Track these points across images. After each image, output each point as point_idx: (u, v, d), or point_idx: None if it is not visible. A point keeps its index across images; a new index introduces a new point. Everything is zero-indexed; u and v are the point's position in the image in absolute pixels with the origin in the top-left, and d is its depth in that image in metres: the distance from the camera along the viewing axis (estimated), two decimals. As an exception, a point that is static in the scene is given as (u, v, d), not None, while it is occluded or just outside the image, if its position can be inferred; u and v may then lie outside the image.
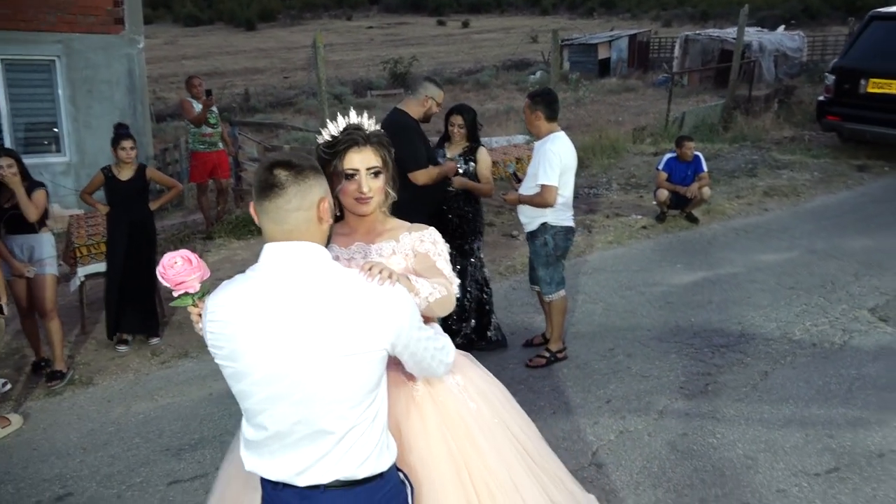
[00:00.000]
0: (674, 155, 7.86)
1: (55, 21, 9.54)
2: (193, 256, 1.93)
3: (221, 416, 4.31)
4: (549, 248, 4.51)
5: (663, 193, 7.77)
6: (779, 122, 13.18)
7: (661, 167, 7.94)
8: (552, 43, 11.69)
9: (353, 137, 2.11)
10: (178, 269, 1.90)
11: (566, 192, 4.42)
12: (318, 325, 1.62)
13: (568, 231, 4.55)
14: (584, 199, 8.73)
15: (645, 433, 3.87)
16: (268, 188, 1.66)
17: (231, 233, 7.95)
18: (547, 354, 4.72)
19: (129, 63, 10.24)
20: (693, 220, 7.84)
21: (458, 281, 2.16)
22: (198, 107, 8.03)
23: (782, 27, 26.84)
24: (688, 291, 5.88)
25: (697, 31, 26.71)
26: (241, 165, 10.06)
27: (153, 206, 5.44)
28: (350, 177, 2.12)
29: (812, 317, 5.26)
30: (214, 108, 8.28)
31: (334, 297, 1.65)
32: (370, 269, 1.71)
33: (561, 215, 4.46)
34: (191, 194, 9.41)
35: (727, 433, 3.82)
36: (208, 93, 8.05)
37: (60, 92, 9.77)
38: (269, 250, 1.69)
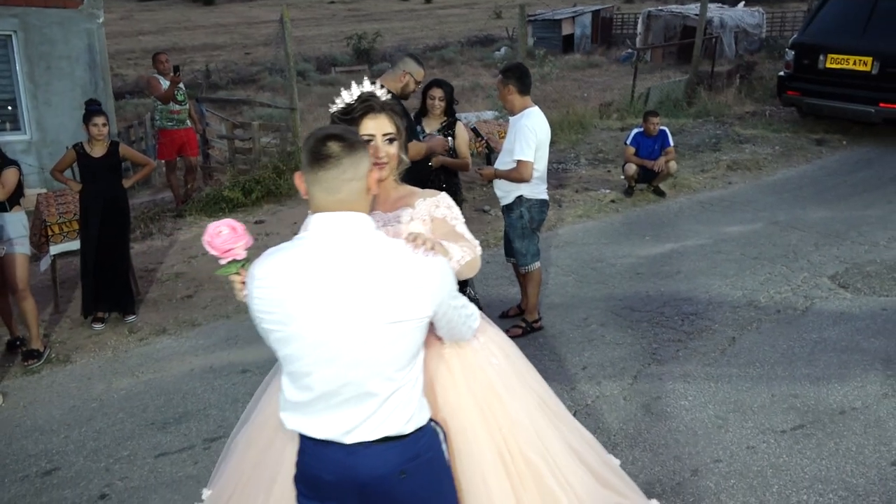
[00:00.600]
0: (641, 130, 8.01)
1: (9, -7, 9.28)
2: (238, 225, 1.96)
3: (204, 391, 4.34)
4: (525, 221, 4.61)
5: (631, 168, 7.92)
6: (740, 97, 13.43)
7: (628, 142, 8.09)
8: (518, 18, 11.73)
9: (369, 104, 2.17)
10: (224, 237, 1.91)
11: (540, 165, 4.52)
12: (367, 293, 1.71)
13: (542, 204, 4.66)
14: (553, 175, 8.83)
15: (620, 397, 4.02)
16: (323, 159, 1.73)
17: (202, 210, 7.89)
18: (523, 325, 4.84)
19: (90, 38, 10.00)
20: (660, 193, 8.02)
21: (478, 242, 2.27)
22: (165, 83, 7.92)
23: (742, 3, 27.18)
24: (657, 262, 6.04)
25: (660, 8, 26.92)
26: (208, 143, 9.96)
27: (126, 183, 5.40)
28: (366, 143, 2.15)
29: (776, 285, 5.47)
30: (182, 86, 8.18)
31: (383, 266, 1.73)
32: (414, 240, 1.80)
33: (536, 189, 4.56)
34: (159, 172, 9.28)
35: (698, 395, 3.99)
36: (176, 69, 7.94)
37: (18, 68, 9.52)
38: (321, 219, 1.77)
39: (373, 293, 1.71)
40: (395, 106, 2.25)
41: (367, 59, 27.63)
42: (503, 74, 4.53)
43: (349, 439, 1.78)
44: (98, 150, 5.15)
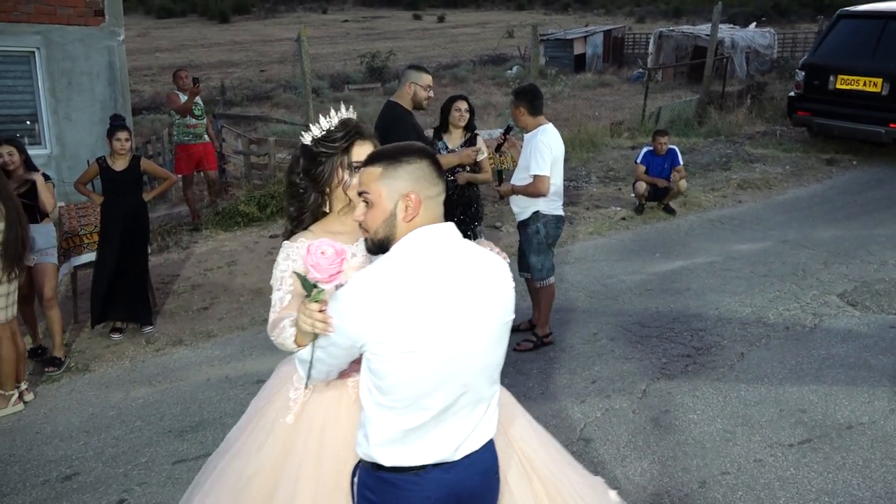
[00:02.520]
0: (651, 148, 8.10)
1: (32, 11, 9.49)
2: (337, 246, 1.85)
3: (220, 401, 4.43)
4: (541, 236, 4.69)
5: (641, 186, 8.00)
6: (751, 117, 13.50)
7: (639, 160, 8.17)
8: (531, 38, 11.89)
9: (358, 130, 2.17)
10: (329, 257, 1.80)
11: (556, 181, 4.62)
12: (486, 297, 1.77)
13: (558, 219, 4.75)
14: (564, 192, 8.86)
15: (629, 410, 4.07)
16: (443, 176, 1.83)
17: (218, 224, 8.02)
18: (534, 339, 4.90)
19: (110, 55, 10.20)
20: (670, 211, 8.08)
21: None
22: (184, 98, 8.10)
23: (753, 24, 27.36)
24: (666, 279, 6.10)
25: (671, 28, 27.13)
26: (224, 158, 10.12)
27: (147, 196, 5.52)
28: (357, 170, 2.10)
29: (785, 302, 5.51)
30: (200, 101, 8.35)
31: (488, 269, 1.81)
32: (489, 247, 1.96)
33: (552, 204, 4.66)
34: (176, 187, 9.43)
35: (707, 409, 4.04)
36: (195, 81, 8.13)
37: (40, 84, 9.72)
38: (428, 232, 1.76)
39: (489, 296, 1.78)
40: (375, 132, 2.28)
41: (380, 76, 27.91)
42: (515, 96, 4.67)
43: (458, 454, 1.79)
44: (120, 164, 5.29)
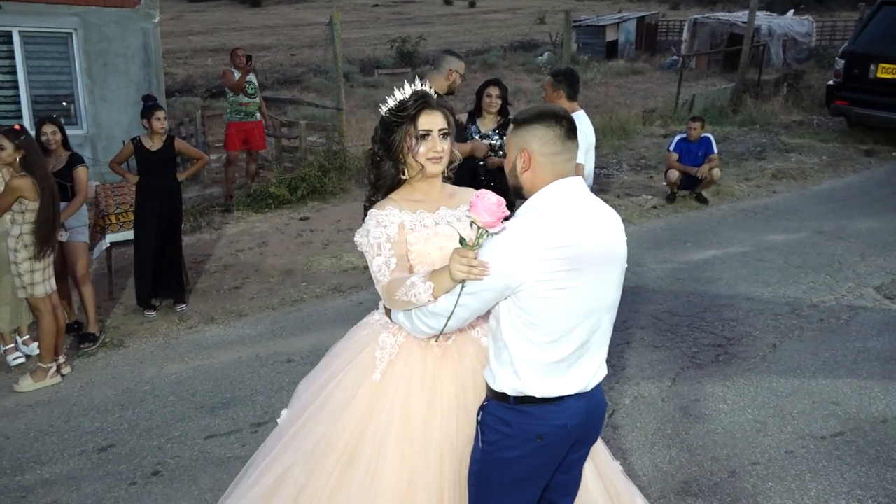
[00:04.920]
0: (684, 136, 7.99)
1: (71, -8, 9.63)
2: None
3: (250, 378, 4.49)
4: None
5: (674, 174, 7.90)
6: (788, 106, 13.25)
7: (671, 148, 8.07)
8: (564, 24, 11.75)
9: (425, 100, 2.24)
10: (497, 202, 1.85)
11: (588, 168, 4.57)
12: (617, 240, 2.01)
13: None
14: (594, 179, 8.85)
15: (659, 398, 4.05)
16: (575, 133, 2.00)
17: (249, 206, 8.10)
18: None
19: (145, 37, 10.32)
20: (703, 200, 7.98)
21: None
22: (238, 75, 8.20)
23: (791, 12, 26.75)
24: (698, 269, 6.03)
25: (706, 15, 26.64)
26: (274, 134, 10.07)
27: (181, 176, 5.59)
28: (423, 137, 2.22)
29: (819, 294, 5.42)
30: (254, 80, 8.45)
31: (613, 220, 2.03)
32: None
33: None
34: (207, 168, 9.54)
35: (737, 399, 4.01)
36: (248, 58, 8.20)
37: (77, 65, 9.87)
38: (567, 183, 1.98)
39: (617, 242, 2.00)
40: (447, 103, 2.35)
41: (410, 61, 27.80)
42: (554, 77, 4.50)
43: (591, 385, 2.04)
44: (155, 144, 5.35)
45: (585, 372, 2.01)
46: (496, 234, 1.88)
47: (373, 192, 2.35)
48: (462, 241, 1.89)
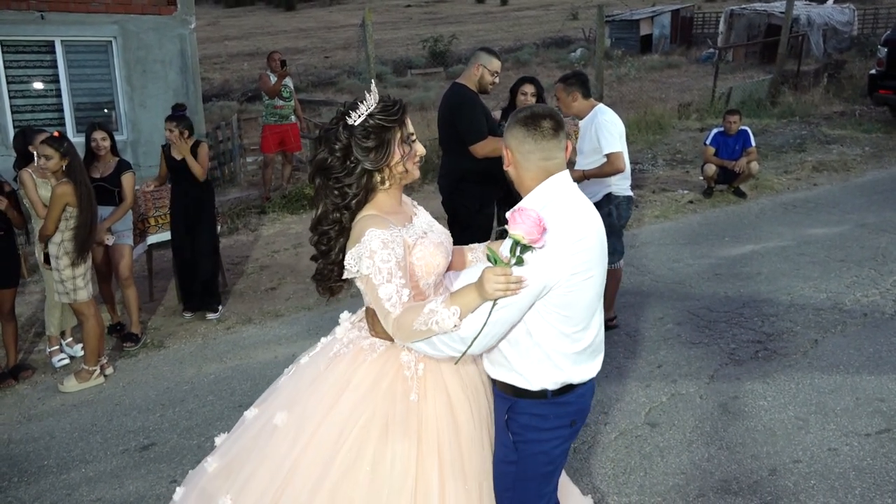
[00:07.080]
0: (721, 129, 7.86)
1: (109, 2, 9.84)
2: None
3: (287, 377, 4.53)
4: (613, 219, 4.58)
5: (711, 168, 7.78)
6: (828, 97, 12.96)
7: (708, 142, 7.94)
8: (597, 19, 11.65)
9: (403, 105, 2.13)
10: (538, 217, 1.81)
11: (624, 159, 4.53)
12: (600, 231, 2.06)
13: (629, 200, 4.66)
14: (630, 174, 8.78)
15: (696, 395, 3.99)
16: (557, 129, 2.03)
17: (285, 207, 8.20)
18: (598, 322, 4.84)
19: (182, 43, 10.51)
20: (741, 194, 7.84)
21: None
22: (274, 79, 8.33)
23: (831, 1, 26.12)
24: (736, 263, 5.93)
25: (743, 6, 26.13)
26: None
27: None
28: (410, 142, 2.14)
29: (863, 288, 5.29)
30: (289, 83, 8.56)
31: (594, 210, 2.10)
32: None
33: (622, 185, 4.58)
34: (243, 171, 9.69)
35: (778, 396, 3.93)
36: (283, 63, 8.33)
37: (117, 72, 10.09)
38: (561, 178, 2.06)
39: (601, 230, 2.08)
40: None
41: (442, 61, 27.85)
42: (564, 82, 4.56)
43: (600, 365, 2.16)
44: (177, 152, 5.35)
45: (600, 354, 2.15)
46: (540, 248, 1.85)
47: (340, 214, 2.12)
48: (494, 259, 1.83)
